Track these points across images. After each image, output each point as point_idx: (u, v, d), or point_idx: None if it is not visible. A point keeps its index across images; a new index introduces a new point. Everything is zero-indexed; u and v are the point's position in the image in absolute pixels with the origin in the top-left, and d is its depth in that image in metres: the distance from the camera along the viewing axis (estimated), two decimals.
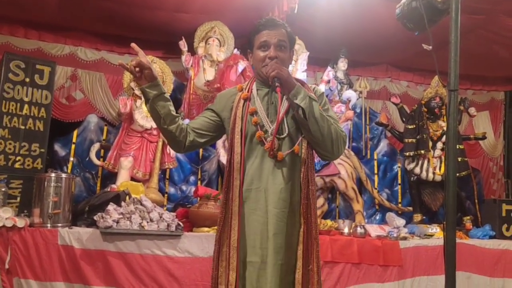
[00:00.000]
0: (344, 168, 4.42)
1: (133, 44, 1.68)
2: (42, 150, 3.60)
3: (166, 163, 4.08)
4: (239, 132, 1.70)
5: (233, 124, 1.73)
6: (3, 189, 3.12)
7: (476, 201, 4.79)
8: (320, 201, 4.47)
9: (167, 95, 1.71)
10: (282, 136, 1.69)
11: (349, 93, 4.91)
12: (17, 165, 3.48)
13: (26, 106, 3.59)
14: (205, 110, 1.87)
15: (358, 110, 5.19)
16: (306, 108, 1.60)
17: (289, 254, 1.65)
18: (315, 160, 4.20)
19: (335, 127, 1.67)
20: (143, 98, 1.75)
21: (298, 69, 4.64)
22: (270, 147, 1.66)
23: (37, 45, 4.58)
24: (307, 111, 1.60)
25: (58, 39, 4.66)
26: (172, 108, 1.71)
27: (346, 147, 4.79)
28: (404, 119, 4.89)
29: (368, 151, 5.11)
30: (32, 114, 3.59)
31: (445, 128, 4.62)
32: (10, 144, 3.48)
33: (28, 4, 4.17)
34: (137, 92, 4.06)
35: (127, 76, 4.07)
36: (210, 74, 4.59)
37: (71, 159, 4.05)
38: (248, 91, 1.79)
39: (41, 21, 4.56)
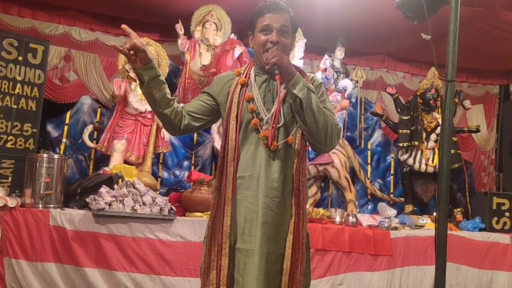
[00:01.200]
0: (338, 157, 4.43)
1: (123, 26, 1.63)
2: (35, 130, 3.55)
3: (160, 147, 4.06)
4: (234, 118, 1.68)
5: (229, 109, 1.71)
6: None
7: (467, 193, 4.84)
8: (313, 189, 4.48)
9: (163, 77, 1.68)
10: (278, 126, 1.68)
11: (345, 82, 4.90)
12: (8, 145, 3.43)
13: (18, 85, 3.52)
14: (201, 93, 1.84)
15: (353, 100, 5.18)
16: (304, 99, 1.57)
17: (277, 243, 1.65)
18: (308, 149, 4.25)
19: (331, 120, 1.65)
20: (137, 81, 1.71)
21: (295, 56, 4.60)
22: (269, 137, 1.65)
23: (31, 23, 4.49)
24: (305, 102, 1.57)
25: (52, 18, 4.56)
26: (167, 91, 1.69)
27: (341, 136, 4.81)
28: (399, 110, 4.90)
29: (362, 141, 5.12)
30: (24, 94, 3.53)
31: (439, 120, 4.65)
32: (2, 123, 3.42)
33: None
34: (132, 74, 4.01)
35: (122, 58, 4.02)
36: (206, 58, 4.55)
37: (64, 140, 4.02)
38: (246, 76, 1.75)
39: None
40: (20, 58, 3.56)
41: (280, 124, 1.68)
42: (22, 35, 3.80)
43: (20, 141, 3.48)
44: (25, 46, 3.60)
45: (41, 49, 3.68)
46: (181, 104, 1.79)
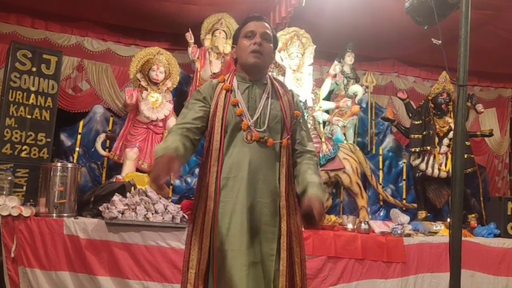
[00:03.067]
0: (349, 163, 4.40)
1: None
2: (48, 139, 3.61)
3: None
4: (220, 120, 1.73)
5: (214, 112, 1.75)
6: (9, 178, 3.13)
7: (481, 198, 4.76)
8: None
9: (181, 151, 1.63)
10: (261, 130, 1.73)
11: (355, 88, 4.88)
12: (23, 154, 3.49)
13: (32, 95, 3.59)
14: (191, 104, 1.80)
15: (364, 105, 5.16)
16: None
17: (267, 242, 1.67)
18: (320, 154, 4.23)
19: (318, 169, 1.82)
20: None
21: (305, 62, 4.61)
22: (253, 140, 1.71)
23: (44, 35, 4.58)
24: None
25: (65, 29, 4.66)
26: (185, 153, 1.66)
27: (352, 141, 4.79)
28: (410, 115, 4.86)
29: (374, 146, 5.08)
30: (38, 104, 3.60)
31: (451, 124, 4.60)
32: (16, 133, 3.48)
33: None
34: (143, 83, 4.06)
35: (134, 67, 4.07)
36: (216, 66, 4.58)
37: (77, 149, 4.06)
38: (229, 83, 1.81)
39: (48, 10, 4.55)
40: (34, 69, 3.63)
41: (263, 129, 1.73)
42: (35, 46, 3.87)
43: (35, 150, 3.54)
44: (39, 57, 3.67)
45: (54, 59, 3.74)
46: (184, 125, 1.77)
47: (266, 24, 1.80)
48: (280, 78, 4.17)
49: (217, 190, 1.67)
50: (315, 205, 1.62)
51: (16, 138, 3.47)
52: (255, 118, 1.74)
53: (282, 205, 1.69)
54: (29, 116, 3.55)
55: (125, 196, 3.20)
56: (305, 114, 1.91)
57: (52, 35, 4.61)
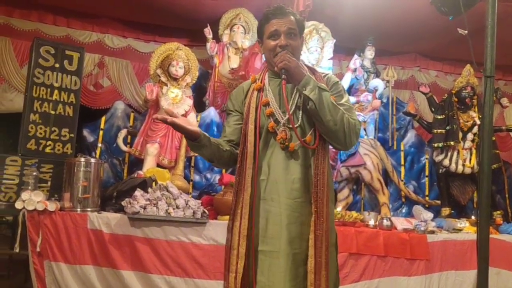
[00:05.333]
0: (370, 159, 4.34)
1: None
2: (72, 135, 3.66)
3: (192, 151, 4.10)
4: (252, 122, 1.70)
5: (247, 114, 1.73)
6: (34, 173, 3.18)
7: (507, 195, 4.63)
8: (345, 192, 4.41)
9: (211, 141, 1.69)
10: (295, 126, 1.67)
11: (376, 82, 4.81)
12: (47, 150, 3.54)
13: (56, 91, 3.63)
14: (227, 116, 1.87)
15: (384, 100, 5.08)
16: (315, 99, 1.59)
17: (302, 244, 1.64)
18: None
19: (347, 117, 1.64)
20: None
21: (324, 56, 4.56)
22: (285, 139, 1.67)
23: (66, 32, 4.65)
24: (317, 102, 1.59)
25: (86, 26, 4.72)
26: (218, 148, 1.71)
27: (372, 137, 4.71)
28: (433, 109, 4.75)
29: (395, 142, 5.00)
30: (62, 100, 3.64)
31: (476, 119, 4.49)
32: (41, 128, 3.54)
33: None
34: (163, 79, 4.07)
35: (153, 63, 4.09)
36: (235, 61, 4.57)
37: (99, 145, 4.12)
38: (261, 82, 1.79)
39: (70, 8, 4.62)
40: (57, 65, 3.68)
41: (297, 125, 1.68)
42: (58, 43, 3.92)
43: (59, 146, 3.59)
44: (61, 53, 3.72)
45: (76, 56, 3.78)
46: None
47: (290, 18, 1.73)
48: None
49: (253, 194, 1.66)
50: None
51: (40, 133, 3.53)
52: (287, 115, 1.68)
53: (313, 201, 1.66)
54: (53, 112, 3.60)
55: (146, 192, 3.22)
56: (346, 95, 1.81)
57: (74, 32, 4.68)
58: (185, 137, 1.69)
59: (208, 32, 4.49)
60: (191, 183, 4.14)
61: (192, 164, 4.26)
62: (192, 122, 1.92)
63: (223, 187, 3.63)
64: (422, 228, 3.62)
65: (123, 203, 3.13)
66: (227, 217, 3.28)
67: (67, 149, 3.62)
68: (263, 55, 1.90)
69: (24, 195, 2.95)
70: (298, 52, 1.77)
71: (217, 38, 4.60)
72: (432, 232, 3.66)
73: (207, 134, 1.69)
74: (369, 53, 4.89)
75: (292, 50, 1.70)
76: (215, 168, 4.34)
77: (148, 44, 4.91)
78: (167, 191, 3.28)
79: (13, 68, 4.50)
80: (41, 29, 4.59)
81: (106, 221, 3.03)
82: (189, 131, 1.63)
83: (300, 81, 1.63)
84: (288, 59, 1.63)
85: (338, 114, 1.62)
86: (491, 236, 3.69)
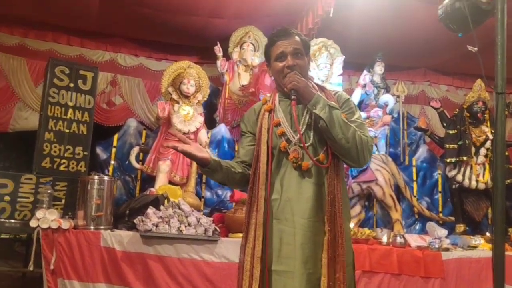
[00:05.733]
0: (382, 175, 4.32)
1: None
2: (85, 153, 3.71)
3: None
4: (265, 143, 1.71)
5: (259, 135, 1.75)
6: (49, 191, 3.22)
7: None
8: (357, 208, 4.38)
9: (222, 165, 1.71)
10: (306, 145, 1.68)
11: (386, 97, 4.81)
12: (62, 168, 3.60)
13: (70, 110, 3.71)
14: (241, 137, 1.90)
15: (395, 115, 5.06)
16: (326, 117, 1.60)
17: (317, 263, 1.62)
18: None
19: (359, 134, 1.64)
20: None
21: (334, 73, 4.58)
22: (295, 157, 1.67)
23: (79, 51, 4.76)
24: (327, 120, 1.60)
25: (99, 45, 4.83)
26: (229, 171, 1.73)
27: (383, 152, 4.69)
28: (444, 124, 4.72)
29: (407, 157, 4.96)
30: (76, 118, 3.72)
31: (488, 134, 4.45)
32: (55, 147, 3.60)
33: (71, 12, 4.34)
34: (175, 96, 4.13)
35: (165, 81, 4.15)
36: (245, 78, 4.63)
37: (112, 162, 4.16)
38: (272, 103, 1.80)
39: (83, 28, 4.74)
40: (71, 85, 3.76)
41: (308, 144, 1.68)
42: (72, 63, 4.02)
43: (73, 164, 3.64)
44: (76, 73, 3.80)
45: (90, 75, 3.87)
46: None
47: (295, 38, 1.76)
48: None
49: (266, 215, 1.66)
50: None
51: (55, 152, 3.59)
52: (299, 135, 1.69)
53: (325, 220, 1.65)
54: (67, 130, 3.67)
55: (158, 209, 3.24)
56: (358, 111, 1.81)
57: (87, 52, 4.79)
58: (196, 163, 1.72)
59: (218, 50, 4.56)
60: (202, 200, 4.15)
61: (204, 180, 4.28)
62: (203, 141, 1.95)
63: (234, 204, 3.63)
64: (437, 246, 3.57)
65: (135, 220, 3.14)
66: (239, 234, 3.31)
67: (81, 167, 3.67)
68: (272, 77, 1.91)
69: (39, 213, 2.99)
70: (306, 71, 1.79)
71: (227, 55, 4.67)
72: (447, 249, 3.60)
73: (217, 159, 1.71)
74: (379, 68, 4.90)
75: (300, 69, 1.72)
76: None
77: (160, 62, 4.99)
78: (179, 208, 3.29)
79: (28, 88, 4.60)
80: (56, 49, 4.71)
81: (118, 239, 3.05)
82: (199, 158, 1.65)
83: (310, 100, 1.65)
84: (297, 79, 1.66)
85: (349, 132, 1.62)
86: (507, 253, 3.63)
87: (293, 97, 1.66)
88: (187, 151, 1.63)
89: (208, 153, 1.71)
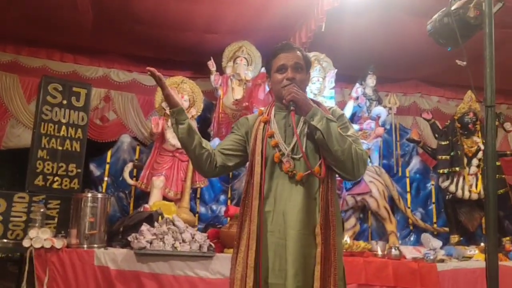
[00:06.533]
0: (376, 186, 4.33)
1: (149, 69, 1.79)
2: (79, 170, 3.69)
3: (197, 182, 4.12)
4: (259, 153, 1.73)
5: (253, 146, 1.76)
6: (41, 210, 3.19)
7: None
8: (352, 221, 4.38)
9: (196, 133, 1.77)
10: (298, 157, 1.70)
11: (378, 110, 4.85)
12: (55, 185, 3.57)
13: (63, 127, 3.70)
14: (230, 134, 1.90)
15: (388, 127, 5.10)
16: (323, 129, 1.63)
17: (307, 276, 1.62)
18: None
19: (354, 147, 1.66)
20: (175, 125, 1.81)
21: (326, 86, 4.63)
22: (291, 169, 1.68)
23: (72, 68, 4.76)
24: (325, 132, 1.63)
25: (93, 62, 4.84)
26: (200, 141, 1.76)
27: (377, 164, 4.71)
28: (436, 135, 4.77)
29: (400, 168, 5.00)
30: (69, 135, 3.70)
31: (480, 144, 4.49)
32: (48, 164, 3.58)
33: (64, 29, 4.35)
34: (169, 112, 4.13)
35: (159, 96, 4.16)
36: (238, 93, 4.64)
37: (106, 178, 4.15)
38: (267, 115, 1.83)
39: (76, 44, 4.75)
40: (65, 102, 3.76)
41: (300, 155, 1.69)
42: (66, 80, 4.01)
43: (66, 181, 3.62)
44: (69, 90, 3.80)
45: (83, 92, 3.86)
46: (216, 140, 1.88)
47: (297, 53, 1.80)
48: None
49: (259, 224, 1.66)
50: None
51: (48, 169, 3.57)
52: (291, 146, 1.72)
53: (317, 232, 1.65)
54: (60, 148, 3.65)
55: (153, 226, 3.22)
56: (352, 127, 1.84)
57: (80, 68, 4.79)
58: (168, 106, 1.79)
59: (211, 65, 4.58)
60: (197, 215, 4.13)
61: (198, 195, 4.27)
62: None
63: (228, 219, 3.62)
64: (432, 257, 3.57)
65: (129, 238, 3.12)
66: None
67: (74, 184, 3.65)
68: (270, 88, 1.93)
69: (32, 232, 2.96)
70: (305, 86, 1.82)
71: (220, 70, 4.69)
72: (442, 260, 3.60)
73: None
74: (371, 81, 4.95)
75: (299, 83, 1.75)
76: (221, 199, 4.35)
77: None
78: (173, 225, 3.28)
79: (20, 104, 4.59)
80: (48, 65, 4.70)
81: (112, 257, 3.02)
82: (172, 95, 1.76)
83: (308, 112, 1.67)
84: (296, 91, 1.69)
85: (346, 144, 1.64)
86: (500, 263, 3.64)
87: (291, 108, 1.68)
88: (162, 81, 1.75)
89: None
